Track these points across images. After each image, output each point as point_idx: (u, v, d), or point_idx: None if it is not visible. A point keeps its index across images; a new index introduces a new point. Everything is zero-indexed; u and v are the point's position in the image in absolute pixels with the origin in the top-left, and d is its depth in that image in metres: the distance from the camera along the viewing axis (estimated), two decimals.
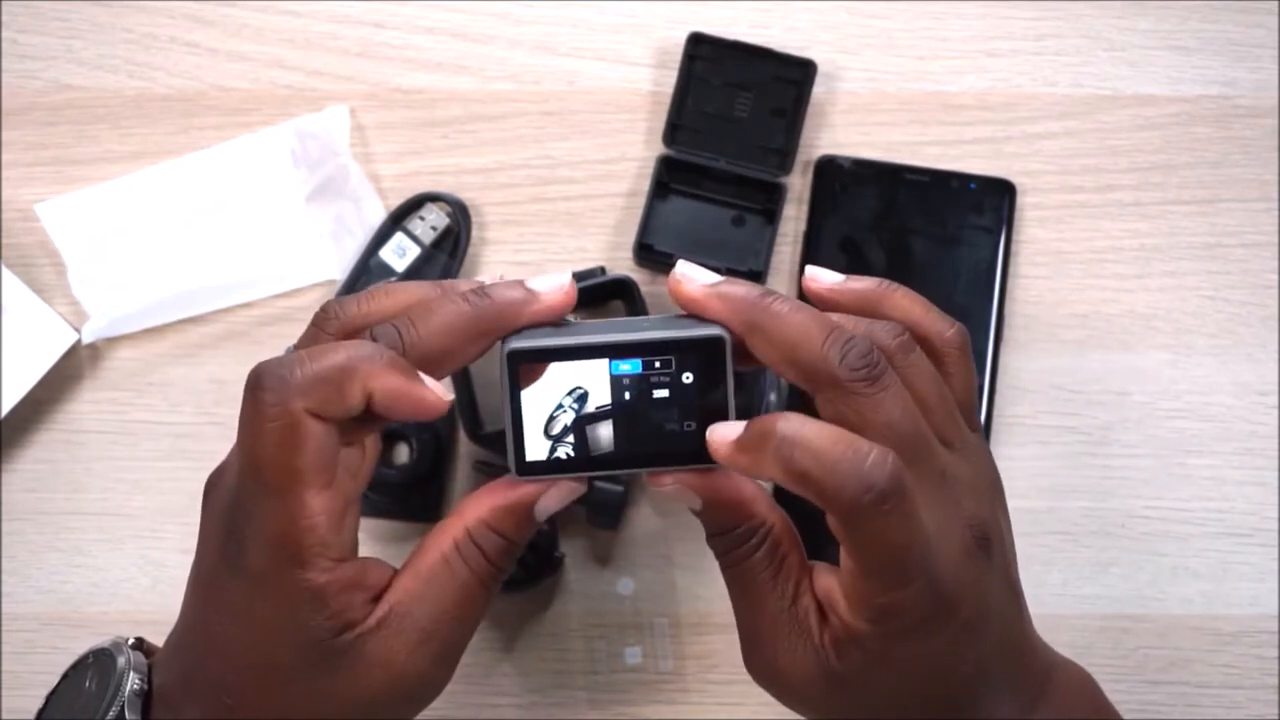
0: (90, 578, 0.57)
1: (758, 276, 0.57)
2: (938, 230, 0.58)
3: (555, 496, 0.38)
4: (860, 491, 0.34)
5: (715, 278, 0.38)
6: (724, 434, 0.36)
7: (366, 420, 0.37)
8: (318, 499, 0.35)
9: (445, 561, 0.37)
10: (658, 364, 0.37)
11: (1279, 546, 0.57)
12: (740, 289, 0.37)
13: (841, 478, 0.34)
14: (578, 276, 0.56)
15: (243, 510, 0.36)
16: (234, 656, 0.37)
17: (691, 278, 0.38)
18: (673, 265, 0.37)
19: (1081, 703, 0.41)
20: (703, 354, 0.37)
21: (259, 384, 0.35)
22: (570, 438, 0.37)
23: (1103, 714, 0.41)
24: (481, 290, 0.37)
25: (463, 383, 0.54)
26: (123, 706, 0.37)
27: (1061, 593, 0.56)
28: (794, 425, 0.35)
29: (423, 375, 0.36)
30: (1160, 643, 0.56)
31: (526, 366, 0.37)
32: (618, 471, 0.38)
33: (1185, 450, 0.57)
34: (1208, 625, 0.56)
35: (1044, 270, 0.59)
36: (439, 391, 0.37)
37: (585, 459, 0.37)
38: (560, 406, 0.37)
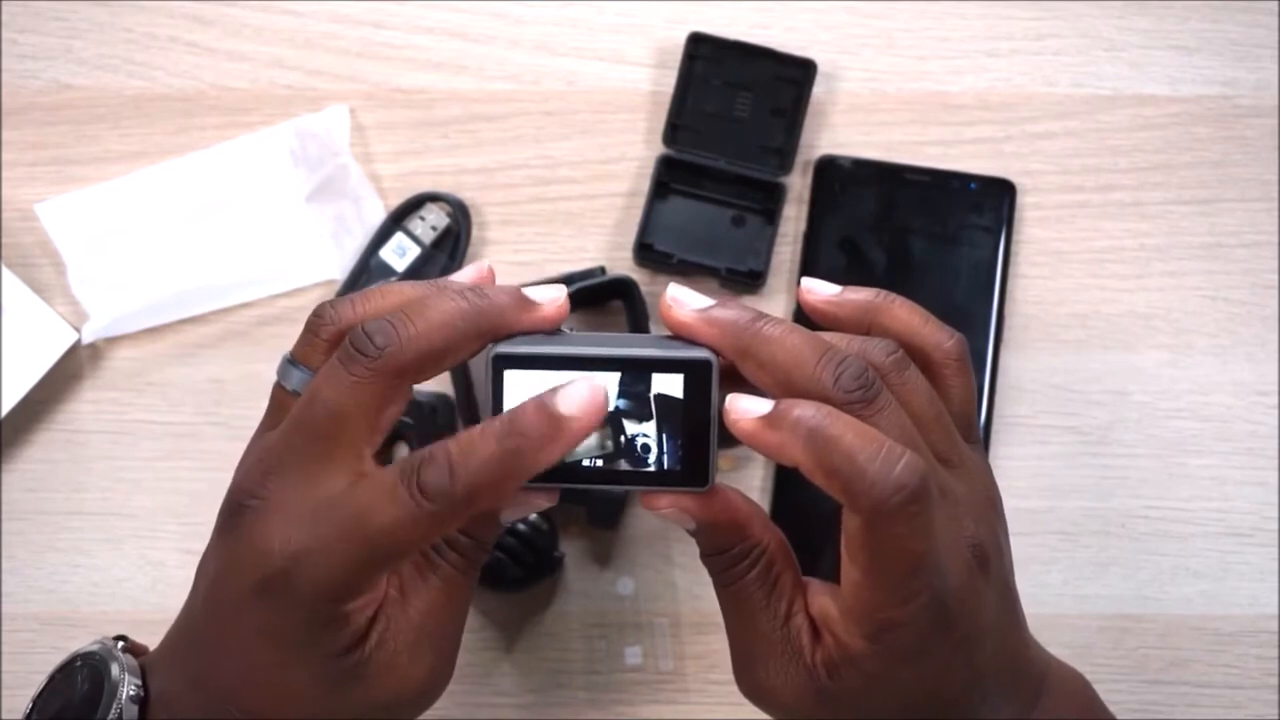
0: (90, 578, 0.57)
1: (758, 276, 0.57)
2: (938, 230, 0.58)
3: (521, 508, 0.38)
4: (891, 492, 0.33)
5: (706, 301, 0.37)
6: (749, 408, 0.35)
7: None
8: None
9: (425, 558, 0.38)
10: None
11: (1279, 546, 0.57)
12: (731, 313, 0.37)
13: (874, 476, 0.33)
14: (578, 276, 0.56)
15: (310, 569, 0.34)
16: (251, 674, 0.36)
17: (682, 302, 0.37)
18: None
19: (1075, 705, 0.41)
20: (689, 377, 0.36)
21: (426, 478, 0.33)
22: None
23: (1096, 715, 0.41)
24: (479, 290, 0.37)
25: (462, 382, 0.54)
26: (120, 712, 0.37)
27: (1061, 593, 0.56)
28: (824, 416, 0.34)
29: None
30: (1160, 643, 0.56)
31: (511, 373, 0.36)
32: (592, 486, 0.38)
33: (1185, 450, 0.57)
34: (1208, 625, 0.56)
35: (1044, 270, 0.59)
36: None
37: (560, 469, 0.36)
38: None
